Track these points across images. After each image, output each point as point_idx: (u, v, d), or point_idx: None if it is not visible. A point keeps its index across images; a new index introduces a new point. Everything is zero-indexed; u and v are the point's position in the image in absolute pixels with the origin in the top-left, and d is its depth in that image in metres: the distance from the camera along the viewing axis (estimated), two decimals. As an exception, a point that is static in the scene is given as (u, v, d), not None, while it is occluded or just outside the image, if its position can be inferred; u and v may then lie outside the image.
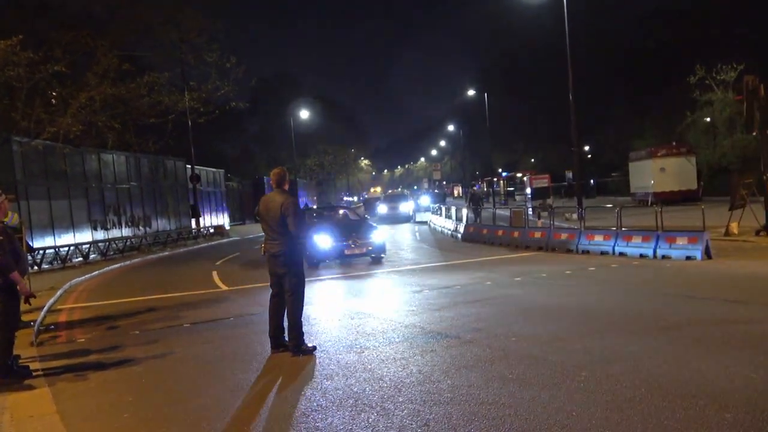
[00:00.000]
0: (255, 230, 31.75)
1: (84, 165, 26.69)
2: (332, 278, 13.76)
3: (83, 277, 17.45)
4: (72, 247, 22.62)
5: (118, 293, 13.95)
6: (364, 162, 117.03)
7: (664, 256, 13.00)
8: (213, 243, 31.91)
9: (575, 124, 23.08)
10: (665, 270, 11.79)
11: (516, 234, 18.17)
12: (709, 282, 10.17)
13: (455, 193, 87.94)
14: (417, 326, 7.97)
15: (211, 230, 36.80)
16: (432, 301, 9.86)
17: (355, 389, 5.46)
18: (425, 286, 11.54)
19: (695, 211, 14.69)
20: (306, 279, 7.32)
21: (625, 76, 52.85)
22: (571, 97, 22.86)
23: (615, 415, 4.43)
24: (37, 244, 20.38)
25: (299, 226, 6.82)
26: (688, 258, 12.52)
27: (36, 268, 19.05)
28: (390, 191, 67.10)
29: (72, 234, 24.69)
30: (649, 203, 30.65)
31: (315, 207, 36.42)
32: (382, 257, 16.21)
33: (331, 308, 9.76)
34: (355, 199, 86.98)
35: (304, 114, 59.82)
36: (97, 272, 18.93)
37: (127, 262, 22.32)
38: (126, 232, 29.42)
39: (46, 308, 11.14)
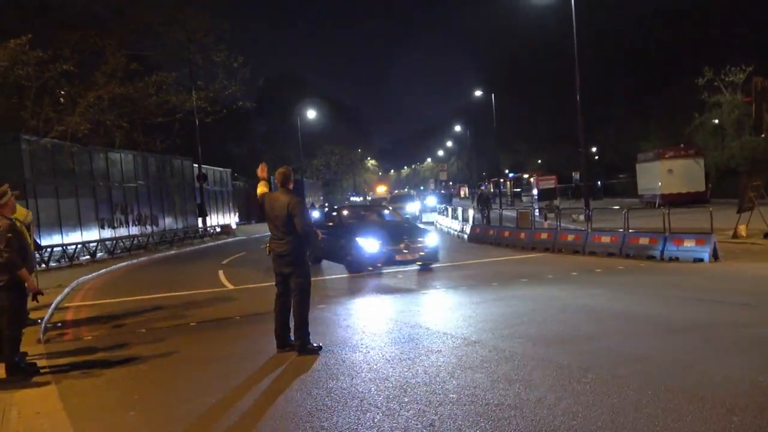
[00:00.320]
0: (261, 229, 31.77)
1: (92, 163, 26.80)
2: (336, 277, 13.77)
3: (90, 275, 17.52)
4: (79, 245, 22.72)
5: (124, 291, 14.00)
6: (371, 162, 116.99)
7: (671, 258, 12.94)
8: (219, 242, 31.98)
9: (582, 125, 23.02)
10: (672, 272, 11.73)
11: (522, 235, 18.12)
12: (716, 284, 10.12)
13: (462, 193, 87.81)
14: (423, 326, 7.97)
15: (218, 229, 36.88)
16: (438, 301, 9.85)
17: (361, 389, 5.46)
18: (431, 286, 11.53)
19: (703, 213, 14.62)
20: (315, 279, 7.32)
21: (626, 77, 52.64)
22: (578, 98, 22.81)
23: (622, 418, 4.41)
24: (44, 241, 20.48)
25: (306, 225, 6.81)
26: (695, 260, 12.46)
27: (43, 265, 19.15)
28: (396, 191, 67.05)
29: (79, 232, 24.79)
30: (657, 205, 30.51)
31: (348, 205, 34.26)
32: (434, 264, 14.13)
33: (336, 308, 9.76)
34: (361, 199, 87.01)
35: (311, 114, 59.88)
36: (104, 270, 19.00)
37: (134, 261, 22.39)
38: (133, 230, 29.51)
39: (53, 306, 11.20)
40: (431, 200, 46.65)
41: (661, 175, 32.39)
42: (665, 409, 4.51)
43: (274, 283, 7.14)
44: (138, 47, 30.24)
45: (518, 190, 58.65)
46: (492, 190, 50.68)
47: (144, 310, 10.89)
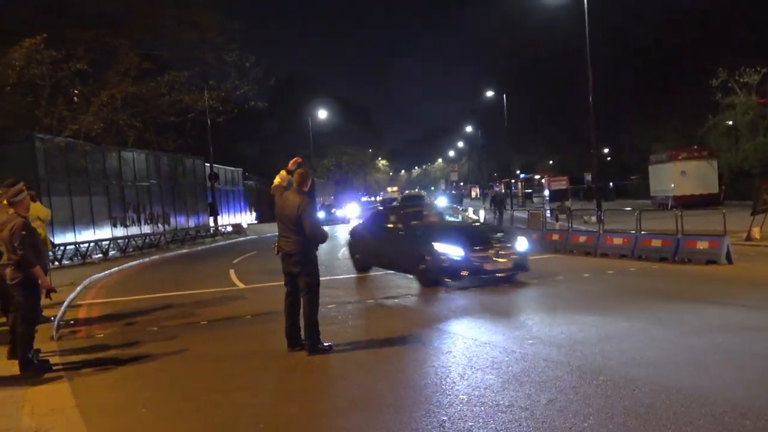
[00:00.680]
0: (272, 229, 31.90)
1: (104, 162, 26.98)
2: (348, 277, 13.77)
3: (102, 274, 17.64)
4: (92, 244, 22.88)
5: (136, 290, 14.08)
6: (382, 162, 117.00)
7: (684, 261, 12.85)
8: (230, 241, 32.11)
9: (594, 125, 22.89)
10: (685, 274, 11.64)
11: (533, 236, 18.04)
12: (729, 287, 10.02)
13: (473, 194, 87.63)
14: (433, 327, 7.95)
15: (229, 228, 37.03)
16: (448, 302, 9.83)
17: (371, 389, 5.46)
18: (441, 286, 11.50)
19: (716, 215, 14.46)
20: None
21: (639, 77, 52.28)
22: (590, 99, 22.68)
23: (633, 421, 4.39)
24: (57, 240, 20.64)
25: (314, 228, 6.81)
26: (708, 262, 12.36)
27: (56, 263, 19.30)
28: (407, 192, 67.01)
29: (92, 230, 24.97)
30: (669, 207, 30.29)
31: (406, 204, 27.72)
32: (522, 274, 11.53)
33: (346, 308, 9.77)
34: (372, 199, 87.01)
35: (322, 114, 59.97)
36: (116, 269, 19.12)
37: (146, 259, 22.52)
38: (145, 229, 29.68)
39: (66, 303, 11.29)
40: (442, 201, 46.57)
41: (674, 176, 32.16)
42: (677, 413, 4.48)
43: (283, 282, 7.15)
44: (151, 46, 30.44)
45: (529, 191, 58.45)
46: (503, 191, 50.55)
47: (155, 308, 10.95)
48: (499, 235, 12.26)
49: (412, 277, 11.97)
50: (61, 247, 20.51)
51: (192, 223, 35.11)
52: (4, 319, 8.36)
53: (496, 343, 6.89)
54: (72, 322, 9.97)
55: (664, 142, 45.96)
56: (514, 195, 54.48)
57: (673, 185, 32.04)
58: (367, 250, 13.60)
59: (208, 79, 32.40)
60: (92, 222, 25.24)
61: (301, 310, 6.93)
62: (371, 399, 5.20)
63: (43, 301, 7.07)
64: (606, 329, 7.36)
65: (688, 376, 5.39)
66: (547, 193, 48.99)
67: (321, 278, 7.19)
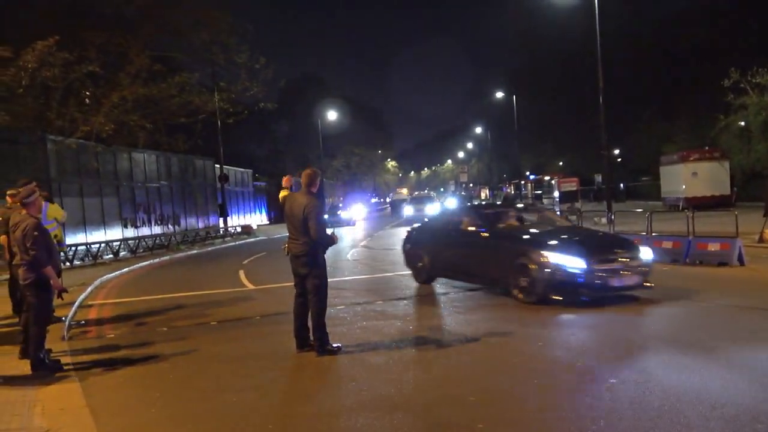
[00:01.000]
0: (282, 230, 32.02)
1: (115, 163, 27.18)
2: (357, 278, 13.79)
3: (113, 274, 17.74)
4: (103, 244, 23.04)
5: (147, 290, 14.15)
6: (391, 163, 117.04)
7: (695, 262, 12.75)
8: (240, 242, 32.20)
9: (605, 126, 22.79)
10: (696, 276, 11.55)
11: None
12: (741, 289, 9.94)
13: (482, 195, 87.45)
14: (442, 329, 7.94)
15: (239, 229, 37.16)
16: (458, 303, 9.81)
17: (380, 391, 5.46)
18: (451, 288, 11.48)
19: (728, 216, 14.35)
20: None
21: (651, 78, 52.00)
22: (601, 100, 22.60)
23: (644, 424, 4.36)
24: (69, 240, 20.81)
25: (320, 231, 6.81)
26: (720, 264, 12.26)
27: (68, 264, 19.43)
28: (416, 193, 67.03)
29: (103, 231, 25.15)
30: (680, 208, 30.07)
31: (491, 203, 25.26)
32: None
33: (355, 309, 9.77)
34: (381, 200, 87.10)
35: (332, 115, 60.08)
36: (126, 269, 19.22)
37: (156, 260, 22.63)
38: (155, 230, 29.86)
39: (77, 304, 11.35)
40: (451, 202, 46.49)
41: (685, 177, 31.94)
42: (688, 416, 4.45)
43: (293, 283, 7.16)
44: (162, 48, 30.58)
45: (539, 192, 58.25)
46: (512, 192, 50.42)
47: (166, 308, 10.99)
48: (620, 241, 10.22)
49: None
50: (73, 248, 20.66)
51: (202, 224, 35.28)
52: (16, 319, 8.43)
53: (506, 347, 6.87)
54: (83, 322, 10.02)
55: (676, 143, 45.69)
56: (524, 196, 54.30)
57: (684, 186, 31.82)
58: (436, 258, 11.43)
59: (219, 81, 32.54)
60: (103, 223, 25.42)
61: (310, 311, 6.94)
62: (380, 401, 5.19)
63: (55, 301, 7.12)
64: (613, 332, 7.29)
65: (699, 378, 5.34)
66: (556, 194, 48.77)
67: (330, 279, 7.20)
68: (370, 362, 6.45)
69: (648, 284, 9.07)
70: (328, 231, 7.05)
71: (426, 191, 77.82)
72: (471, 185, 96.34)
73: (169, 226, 31.54)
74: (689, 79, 47.38)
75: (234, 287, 13.61)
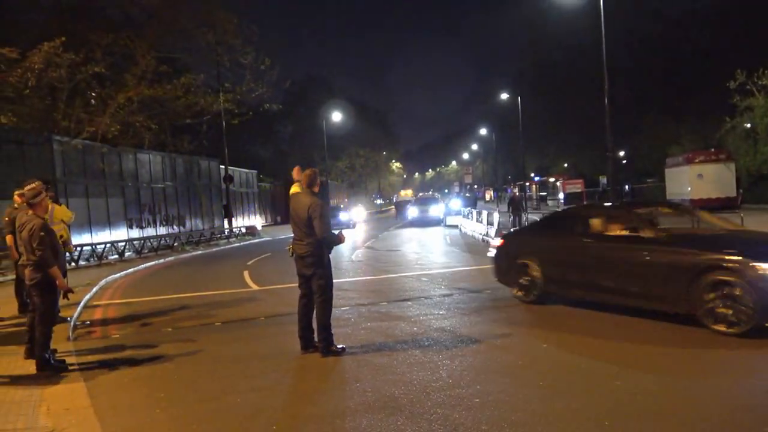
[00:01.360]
0: (286, 231, 32.03)
1: (121, 164, 27.26)
2: (361, 279, 13.78)
3: (118, 274, 17.79)
4: (108, 245, 23.10)
5: (152, 291, 14.18)
6: (396, 165, 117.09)
7: (701, 265, 12.66)
8: (245, 243, 32.24)
9: (610, 128, 22.71)
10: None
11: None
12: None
13: (487, 196, 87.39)
14: (447, 330, 7.93)
15: (243, 230, 37.21)
16: (462, 305, 9.79)
17: (384, 392, 5.45)
18: (455, 289, 11.47)
19: (734, 219, 14.30)
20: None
21: (657, 79, 51.87)
22: (606, 101, 22.52)
23: (650, 426, 4.34)
24: (75, 241, 20.80)
25: (325, 230, 6.81)
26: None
27: (73, 264, 19.49)
28: (421, 194, 66.98)
29: (108, 231, 25.23)
30: (686, 210, 29.97)
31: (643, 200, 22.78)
32: None
33: (359, 310, 9.77)
34: (384, 201, 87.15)
35: (337, 116, 60.12)
36: (131, 270, 19.27)
37: (161, 261, 22.68)
38: (160, 230, 29.94)
39: (82, 304, 11.39)
40: (456, 203, 46.44)
41: (691, 179, 31.87)
42: (695, 419, 4.43)
43: (297, 284, 7.16)
44: (168, 49, 30.67)
45: (544, 193, 58.18)
46: (517, 193, 50.35)
47: (171, 309, 11.01)
48: None
49: (426, 279, 11.70)
50: (78, 248, 20.73)
51: (206, 224, 35.36)
52: (23, 319, 8.46)
53: (511, 349, 6.86)
54: (88, 322, 10.05)
55: (681, 144, 45.58)
56: (529, 198, 54.26)
57: (689, 188, 31.75)
58: (555, 271, 9.01)
59: (224, 82, 32.64)
60: (108, 223, 25.50)
61: (315, 312, 6.94)
62: (385, 402, 5.19)
63: (60, 301, 7.14)
64: (620, 333, 7.28)
65: (706, 381, 5.31)
66: (561, 196, 48.74)
67: (334, 280, 7.20)
68: (374, 363, 6.44)
69: None
70: (335, 231, 7.07)
71: (431, 192, 77.74)
72: (476, 186, 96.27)
73: (174, 226, 31.62)
74: (695, 81, 47.26)
75: (239, 288, 13.62)
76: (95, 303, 12.44)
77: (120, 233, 26.01)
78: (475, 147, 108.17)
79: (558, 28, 55.08)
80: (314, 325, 6.97)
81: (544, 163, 76.41)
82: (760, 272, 6.57)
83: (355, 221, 42.25)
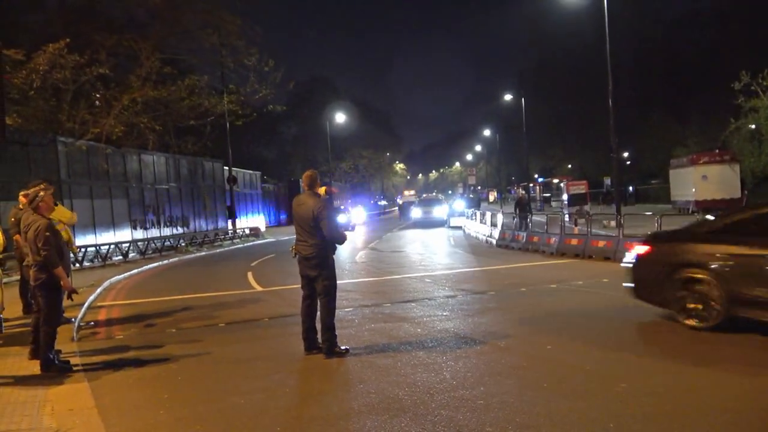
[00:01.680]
0: (290, 232, 32.06)
1: (125, 165, 27.30)
2: (365, 280, 13.78)
3: (122, 275, 17.82)
4: (112, 246, 23.14)
5: (155, 291, 14.20)
6: (399, 166, 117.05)
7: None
8: (248, 244, 32.28)
9: (614, 129, 22.67)
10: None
11: (552, 240, 17.92)
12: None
13: (491, 198, 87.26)
14: (450, 331, 7.92)
15: (247, 231, 37.24)
16: (466, 306, 9.78)
17: (388, 393, 5.44)
18: (459, 291, 11.47)
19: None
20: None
21: (661, 80, 51.78)
22: (610, 102, 22.50)
23: (654, 428, 4.33)
24: (79, 241, 20.91)
25: (332, 230, 6.82)
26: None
27: (77, 265, 19.53)
28: (424, 195, 66.89)
29: (112, 232, 25.26)
30: (690, 211, 29.93)
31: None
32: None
33: (363, 311, 9.76)
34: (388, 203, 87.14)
35: (340, 117, 60.13)
36: (135, 270, 19.30)
37: (165, 262, 22.71)
38: (164, 231, 29.97)
39: (86, 305, 11.40)
40: (459, 204, 46.39)
41: (695, 181, 31.80)
42: (700, 421, 4.41)
43: (300, 285, 7.16)
44: (172, 51, 30.74)
45: (548, 194, 58.08)
46: (527, 195, 50.27)
47: (174, 310, 11.03)
48: None
49: (429, 280, 11.79)
50: (82, 249, 20.77)
51: (210, 225, 35.38)
52: (27, 320, 8.48)
53: (515, 350, 6.85)
54: (92, 323, 10.06)
55: (686, 145, 45.50)
56: (533, 199, 54.14)
57: (694, 190, 31.68)
58: (746, 288, 6.74)
59: (228, 83, 32.68)
60: (112, 224, 25.54)
61: (319, 313, 6.94)
62: (389, 403, 5.18)
63: (65, 302, 7.16)
64: (625, 335, 7.24)
65: (711, 383, 5.29)
66: (565, 197, 48.60)
67: (338, 281, 7.20)
68: (378, 364, 6.43)
69: None
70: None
71: (434, 193, 77.63)
72: (479, 188, 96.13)
73: (178, 227, 31.66)
74: (699, 81, 47.18)
75: (242, 289, 13.64)
76: (99, 304, 12.46)
77: (124, 234, 26.05)
78: (478, 148, 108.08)
79: (560, 28, 55.07)
80: (318, 326, 6.97)
81: (548, 165, 76.35)
82: None
83: (354, 223, 41.47)
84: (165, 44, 30.06)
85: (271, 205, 53.22)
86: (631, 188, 51.58)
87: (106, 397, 5.82)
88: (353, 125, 69.82)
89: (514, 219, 25.65)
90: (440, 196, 62.78)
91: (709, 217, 8.25)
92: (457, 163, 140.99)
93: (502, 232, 22.15)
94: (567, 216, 24.90)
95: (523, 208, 25.21)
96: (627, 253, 8.61)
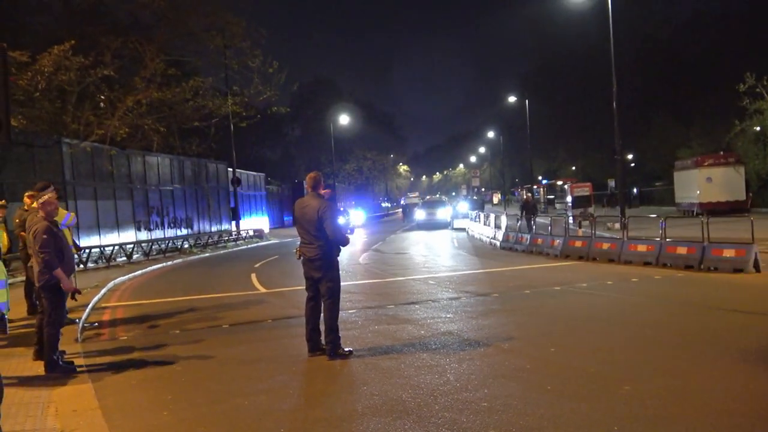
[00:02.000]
0: (294, 234, 32.11)
1: (129, 167, 27.37)
2: (369, 282, 13.77)
3: (126, 276, 17.86)
4: (116, 247, 23.19)
5: (159, 293, 14.23)
6: (403, 168, 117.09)
7: (710, 269, 12.62)
8: (252, 245, 32.32)
9: (618, 131, 22.63)
10: (711, 283, 11.44)
11: (556, 242, 17.90)
12: (757, 296, 9.83)
13: (494, 200, 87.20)
14: (454, 333, 7.91)
15: (251, 233, 37.29)
16: (469, 308, 9.77)
17: (392, 395, 5.44)
18: (463, 293, 11.45)
19: (744, 222, 14.22)
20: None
21: (666, 82, 51.64)
22: (614, 104, 22.46)
23: (658, 431, 4.31)
24: (83, 242, 20.97)
25: (336, 231, 6.82)
26: (735, 271, 12.13)
27: (82, 266, 19.58)
28: (428, 197, 66.89)
29: (117, 234, 25.32)
30: (695, 213, 29.83)
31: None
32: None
33: (367, 313, 9.76)
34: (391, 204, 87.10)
35: (344, 119, 60.19)
36: (139, 272, 19.34)
37: (169, 263, 22.76)
38: (168, 233, 30.03)
39: (90, 306, 11.43)
40: (463, 206, 46.36)
41: (700, 183, 31.71)
42: (704, 423, 4.40)
43: (305, 287, 7.17)
44: (176, 53, 30.81)
45: (551, 197, 57.99)
46: (528, 195, 50.18)
47: (178, 311, 11.05)
48: None
49: (433, 282, 11.81)
50: (86, 250, 20.82)
51: (214, 227, 35.44)
52: (32, 321, 8.50)
53: (519, 352, 6.84)
54: (96, 324, 10.08)
55: (690, 147, 45.36)
56: (536, 201, 54.08)
57: (698, 192, 31.59)
58: None
59: (232, 85, 32.74)
60: (117, 225, 25.59)
61: (322, 315, 6.94)
62: (392, 405, 5.17)
63: (69, 303, 7.17)
64: (628, 337, 7.24)
65: (715, 385, 5.28)
66: (569, 199, 48.50)
67: (342, 283, 7.20)
68: (381, 366, 6.43)
69: None
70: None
71: (438, 195, 77.69)
72: (483, 189, 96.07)
73: (182, 229, 31.71)
74: (703, 83, 47.05)
75: (246, 290, 13.65)
76: (103, 305, 12.49)
77: (128, 235, 26.10)
78: (482, 150, 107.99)
79: (563, 30, 54.99)
80: (321, 327, 6.97)
81: (552, 167, 76.22)
82: None
83: (354, 226, 40.43)
84: (170, 46, 30.15)
85: (275, 206, 53.25)
86: (635, 190, 51.46)
87: (110, 398, 5.83)
88: (357, 127, 69.88)
89: (518, 221, 25.57)
90: (444, 198, 62.76)
91: None
92: (461, 165, 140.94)
93: (505, 234, 22.12)
94: (571, 218, 24.83)
95: (529, 210, 25.14)
96: None
